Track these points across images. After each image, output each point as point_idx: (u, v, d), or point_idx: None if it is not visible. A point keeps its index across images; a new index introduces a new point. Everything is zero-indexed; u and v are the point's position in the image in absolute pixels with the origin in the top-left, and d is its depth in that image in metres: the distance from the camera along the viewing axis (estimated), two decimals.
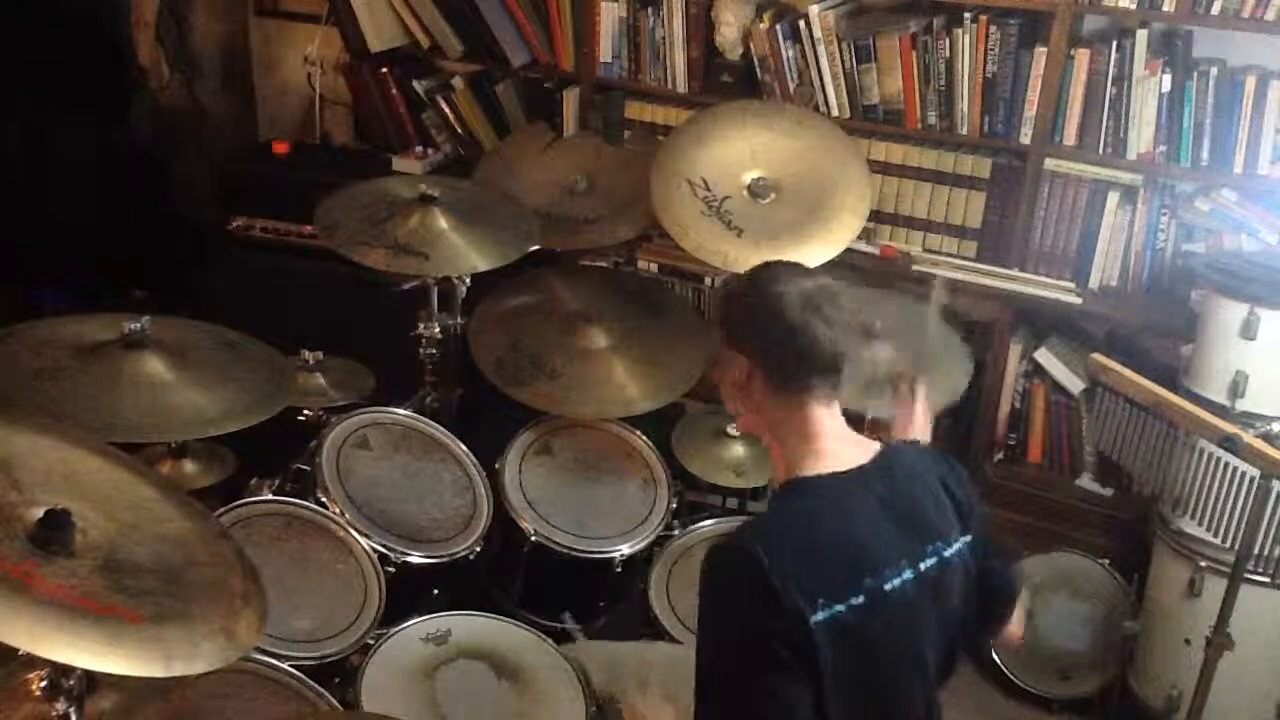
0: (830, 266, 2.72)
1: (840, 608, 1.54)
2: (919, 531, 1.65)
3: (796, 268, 1.72)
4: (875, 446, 1.71)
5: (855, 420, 1.77)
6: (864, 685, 1.58)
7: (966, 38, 3.01)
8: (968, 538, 1.71)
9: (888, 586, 1.58)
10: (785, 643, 1.51)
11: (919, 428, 1.97)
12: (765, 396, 1.68)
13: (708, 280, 3.31)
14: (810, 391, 1.65)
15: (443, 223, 2.75)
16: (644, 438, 2.85)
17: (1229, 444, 2.22)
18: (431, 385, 2.96)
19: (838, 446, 1.67)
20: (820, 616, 1.51)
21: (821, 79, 3.19)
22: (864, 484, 1.65)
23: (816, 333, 1.63)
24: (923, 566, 1.62)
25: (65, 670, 1.52)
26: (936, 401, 2.67)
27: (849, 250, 2.87)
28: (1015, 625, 1.90)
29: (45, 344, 2.12)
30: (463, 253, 2.73)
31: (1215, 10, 2.79)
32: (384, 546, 2.42)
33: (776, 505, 1.72)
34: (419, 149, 3.69)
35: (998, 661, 3.01)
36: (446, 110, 3.71)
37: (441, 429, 2.76)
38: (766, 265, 1.74)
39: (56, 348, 2.12)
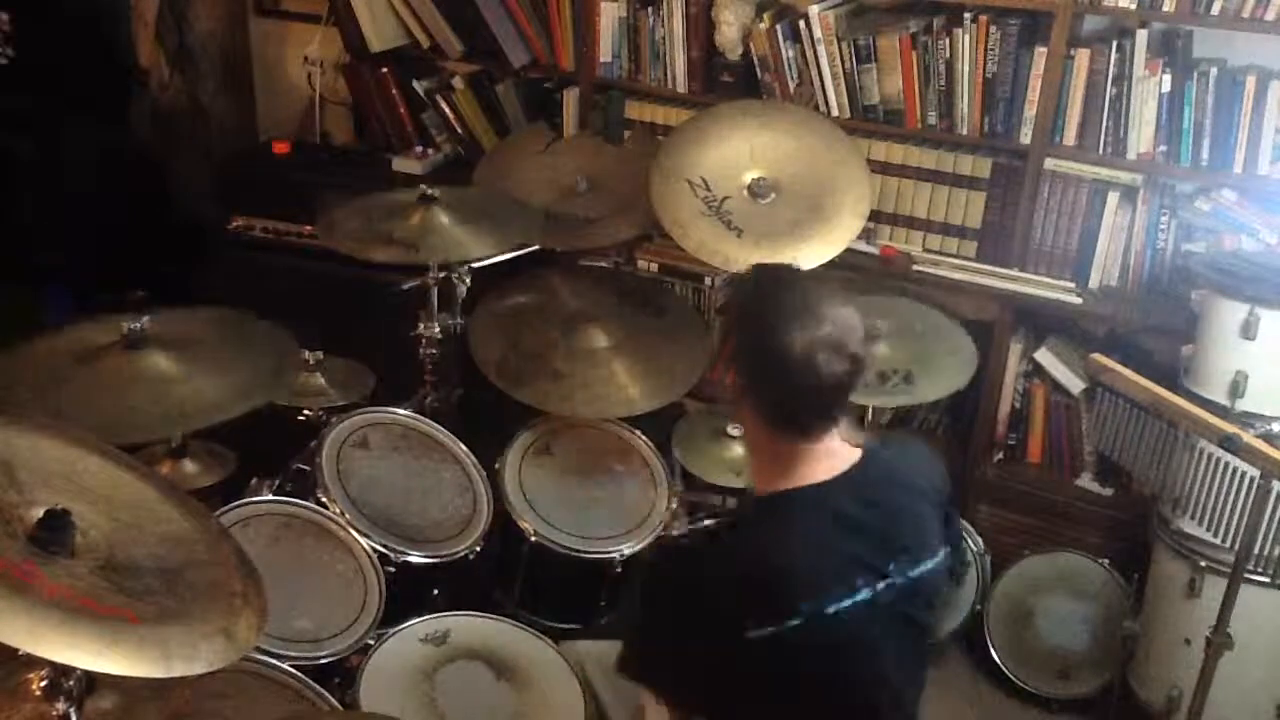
0: (830, 267, 2.73)
1: (775, 629, 1.55)
2: (885, 547, 1.61)
3: (806, 300, 1.58)
4: (854, 455, 1.66)
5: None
6: (815, 696, 1.62)
7: (966, 38, 3.01)
8: (948, 548, 1.71)
9: (830, 609, 1.57)
10: (715, 646, 1.57)
11: None
12: (752, 421, 1.66)
13: (708, 280, 3.31)
14: (803, 432, 1.62)
15: (444, 219, 2.76)
16: (644, 438, 2.85)
17: (1229, 444, 2.22)
18: (431, 385, 2.95)
19: (812, 465, 1.64)
20: (753, 634, 1.55)
21: (821, 79, 3.19)
22: (823, 501, 1.62)
23: (820, 380, 1.56)
24: (880, 587, 1.59)
25: (65, 670, 1.51)
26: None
27: (849, 250, 2.86)
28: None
29: (49, 355, 2.14)
30: (463, 243, 2.75)
31: (1215, 10, 2.79)
32: (384, 546, 2.42)
33: (740, 525, 1.74)
34: (419, 149, 3.68)
35: (998, 661, 3.02)
36: (446, 110, 3.71)
37: (441, 429, 2.76)
38: (776, 296, 1.61)
39: (59, 357, 2.14)
